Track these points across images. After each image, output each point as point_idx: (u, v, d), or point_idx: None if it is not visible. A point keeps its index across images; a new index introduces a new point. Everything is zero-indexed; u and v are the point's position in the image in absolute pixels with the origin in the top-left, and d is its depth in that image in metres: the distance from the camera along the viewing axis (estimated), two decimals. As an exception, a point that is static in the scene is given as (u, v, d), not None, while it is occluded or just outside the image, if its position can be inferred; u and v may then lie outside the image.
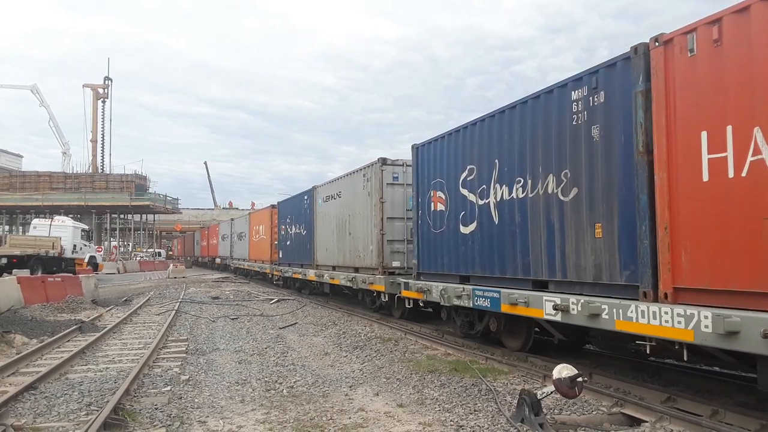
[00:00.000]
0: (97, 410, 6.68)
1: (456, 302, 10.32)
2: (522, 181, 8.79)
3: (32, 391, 7.70)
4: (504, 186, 9.28)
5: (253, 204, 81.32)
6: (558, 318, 7.61)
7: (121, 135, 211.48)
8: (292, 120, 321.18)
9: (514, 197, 9.00)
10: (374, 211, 14.74)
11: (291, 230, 23.89)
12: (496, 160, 9.48)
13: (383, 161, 14.63)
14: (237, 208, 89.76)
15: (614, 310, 6.66)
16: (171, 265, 49.39)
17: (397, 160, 14.80)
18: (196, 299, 21.74)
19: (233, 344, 11.91)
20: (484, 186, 9.87)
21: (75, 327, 13.43)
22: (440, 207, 11.37)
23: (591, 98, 7.39)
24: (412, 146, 12.70)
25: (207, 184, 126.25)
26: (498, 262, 9.48)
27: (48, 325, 13.97)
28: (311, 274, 20.16)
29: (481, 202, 9.96)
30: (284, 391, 8.02)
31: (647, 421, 6.23)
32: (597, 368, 8.62)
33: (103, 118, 75.29)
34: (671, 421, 6.08)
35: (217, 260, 48.25)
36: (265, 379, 8.73)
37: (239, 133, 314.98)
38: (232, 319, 16.11)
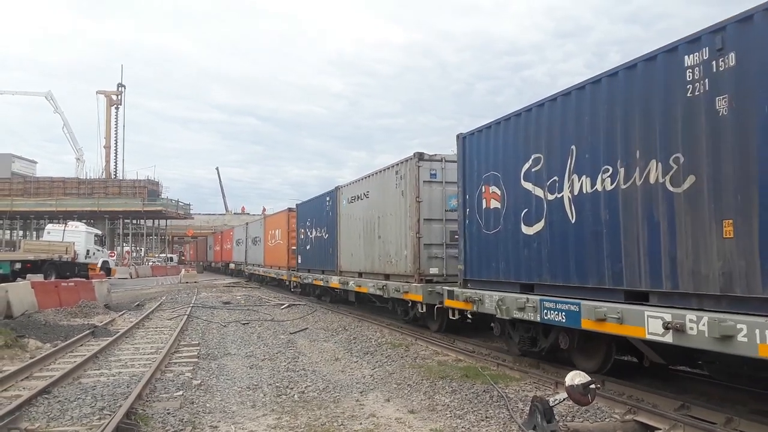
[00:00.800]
0: (110, 414, 6.73)
1: (517, 315, 8.81)
2: (610, 170, 7.25)
3: (46, 395, 7.76)
4: (584, 177, 7.74)
5: (264, 209, 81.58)
6: (668, 339, 6.13)
7: (134, 141, 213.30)
8: (302, 126, 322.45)
9: (599, 190, 7.44)
10: (409, 212, 13.28)
11: (311, 234, 22.24)
12: (573, 147, 7.95)
13: (420, 156, 13.08)
14: (248, 213, 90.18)
15: (756, 330, 5.22)
16: (183, 270, 49.65)
17: (435, 155, 13.25)
18: (207, 304, 21.83)
19: (244, 349, 11.95)
20: (555, 178, 8.33)
21: (88, 331, 13.53)
22: (494, 204, 9.91)
23: (714, 63, 5.95)
24: (458, 136, 11.25)
25: (218, 190, 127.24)
26: (575, 268, 7.94)
27: (61, 330, 14.10)
28: (334, 281, 18.78)
29: (550, 197, 8.42)
30: (295, 396, 8.02)
31: (661, 429, 6.17)
32: (610, 375, 8.55)
33: (116, 125, 76.26)
34: (685, 429, 6.02)
35: (231, 266, 46.83)
36: (276, 384, 8.74)
37: (250, 139, 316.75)
38: (243, 324, 16.16)
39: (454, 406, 7.38)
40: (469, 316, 11.35)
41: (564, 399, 6.05)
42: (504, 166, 9.70)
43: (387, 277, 14.72)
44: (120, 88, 77.08)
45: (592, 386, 5.96)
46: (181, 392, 8.12)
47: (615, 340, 7.83)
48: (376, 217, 15.51)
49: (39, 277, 24.90)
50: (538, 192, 8.78)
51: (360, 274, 16.82)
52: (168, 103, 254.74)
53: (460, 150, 11.23)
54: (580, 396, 5.93)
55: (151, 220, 74.55)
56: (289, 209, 26.96)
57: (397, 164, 14.17)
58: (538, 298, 8.43)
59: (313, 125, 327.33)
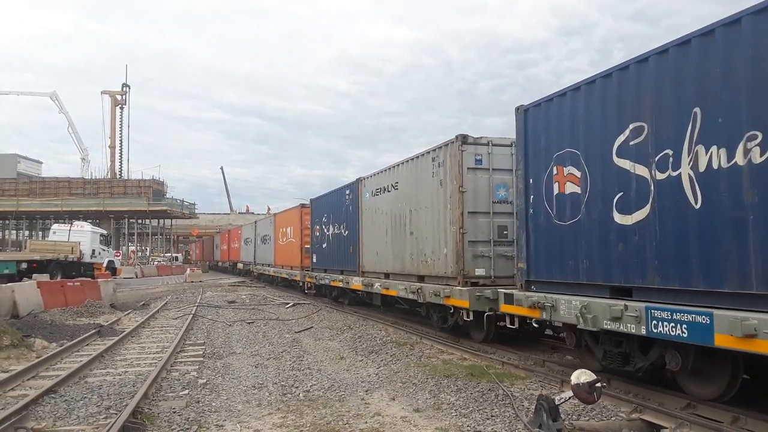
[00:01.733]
0: (116, 413, 6.75)
1: (610, 326, 7.12)
2: (759, 137, 5.59)
3: (52, 395, 7.79)
4: (714, 148, 6.06)
5: (268, 209, 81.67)
6: None
7: (139, 141, 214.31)
8: (307, 125, 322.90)
9: (740, 164, 5.77)
10: (450, 204, 11.58)
11: (328, 231, 20.46)
12: (696, 110, 6.29)
13: (463, 139, 11.33)
14: (253, 213, 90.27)
15: None
16: (188, 269, 49.75)
17: (480, 137, 11.51)
18: (212, 303, 21.87)
19: (250, 348, 11.97)
20: (667, 151, 6.63)
21: (94, 331, 13.57)
22: (571, 188, 8.14)
23: None
24: (518, 109, 9.50)
25: (223, 189, 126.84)
26: (701, 267, 6.24)
27: (67, 329, 14.15)
28: (356, 283, 17.08)
29: (660, 177, 6.71)
30: (300, 395, 8.03)
31: (667, 428, 6.16)
32: (616, 373, 8.52)
33: (121, 125, 76.36)
34: (691, 428, 6.01)
35: (239, 265, 45.09)
36: (282, 383, 8.75)
37: (255, 138, 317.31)
38: (249, 323, 16.18)
39: (459, 404, 7.38)
40: (535, 325, 9.68)
41: (570, 397, 6.04)
42: (586, 140, 7.91)
43: (421, 278, 13.02)
44: (125, 88, 77.21)
45: (598, 385, 5.95)
46: (186, 391, 8.14)
47: (743, 360, 6.38)
48: (407, 210, 13.68)
49: (45, 277, 25.02)
50: (641, 170, 7.02)
51: (387, 275, 15.03)
52: (173, 103, 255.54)
53: (520, 126, 9.39)
54: (585, 394, 5.91)
55: (156, 220, 74.66)
56: (302, 205, 25.25)
57: (435, 149, 12.37)
58: (642, 305, 6.69)
59: (318, 125, 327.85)
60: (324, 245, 21.03)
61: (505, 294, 9.66)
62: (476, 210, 11.39)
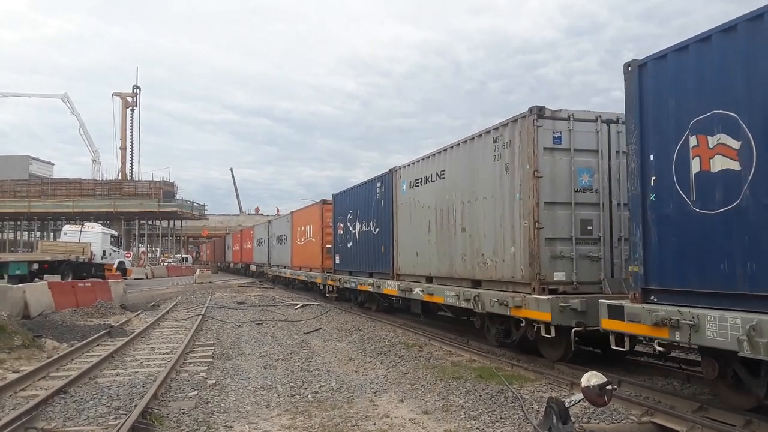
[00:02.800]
0: (126, 414, 6.77)
1: None
2: None
3: (62, 395, 7.83)
4: None
5: (277, 210, 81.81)
6: None
7: (149, 142, 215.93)
8: (316, 126, 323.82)
9: None
10: (520, 193, 9.60)
11: (354, 229, 18.55)
12: None
13: (539, 112, 9.24)
14: (262, 214, 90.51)
15: None
16: (198, 270, 49.94)
17: (559, 110, 9.51)
18: (222, 304, 21.94)
19: (258, 349, 11.98)
20: None
21: (104, 331, 13.64)
22: (722, 164, 6.15)
23: None
24: (627, 66, 7.54)
25: (232, 190, 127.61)
26: None
27: (78, 330, 14.23)
28: (390, 288, 15.10)
29: None
30: (309, 396, 8.03)
31: (678, 431, 6.09)
32: (626, 376, 8.47)
33: (131, 126, 76.69)
34: (703, 431, 5.94)
35: (252, 267, 42.81)
36: (290, 384, 8.76)
37: (264, 140, 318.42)
38: (258, 324, 16.21)
39: (468, 406, 7.34)
40: (659, 349, 7.00)
41: (580, 400, 5.99)
42: (751, 98, 5.88)
43: (476, 283, 11.12)
44: (135, 90, 77.59)
45: (609, 387, 5.90)
46: (196, 392, 8.16)
47: None
48: (458, 203, 11.73)
49: (56, 278, 25.17)
50: None
51: (429, 279, 13.12)
52: (183, 104, 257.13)
53: (632, 88, 7.43)
54: (596, 397, 5.87)
55: (167, 221, 75.07)
56: (324, 201, 23.12)
57: (497, 128, 10.39)
58: None
59: (327, 126, 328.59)
60: (349, 245, 19.09)
61: (609, 306, 7.51)
62: (554, 200, 9.36)
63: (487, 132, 10.80)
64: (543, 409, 6.35)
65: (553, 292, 9.07)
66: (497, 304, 9.96)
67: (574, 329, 8.33)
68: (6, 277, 26.20)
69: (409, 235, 14.31)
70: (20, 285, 17.43)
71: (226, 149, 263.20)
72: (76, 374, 8.90)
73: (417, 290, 13.39)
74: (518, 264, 9.71)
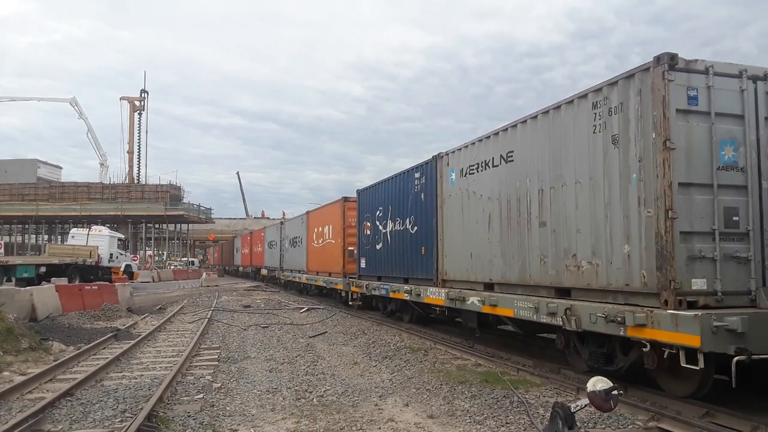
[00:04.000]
0: (132, 417, 6.79)
1: None
2: None
3: (69, 398, 7.87)
4: None
5: (283, 213, 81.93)
6: None
7: (156, 146, 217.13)
8: (322, 130, 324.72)
9: None
10: (641, 173, 7.33)
11: (384, 228, 16.21)
12: None
13: (671, 61, 6.95)
14: (269, 218, 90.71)
15: None
16: (204, 273, 50.03)
17: (695, 60, 7.11)
18: (227, 308, 21.97)
19: (264, 353, 11.99)
20: None
21: (111, 335, 13.69)
22: None
23: None
24: None
25: (239, 194, 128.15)
26: None
27: (84, 333, 14.28)
28: (434, 296, 12.61)
29: None
30: (314, 400, 8.03)
31: (685, 437, 6.06)
32: (632, 381, 8.42)
33: (139, 130, 77.17)
34: (710, 437, 5.91)
35: (263, 271, 40.03)
36: (296, 387, 8.76)
37: (270, 144, 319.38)
38: (263, 327, 16.23)
39: (473, 411, 7.33)
40: None
41: (586, 405, 5.97)
42: None
43: (563, 292, 8.71)
44: (143, 94, 78.09)
45: (615, 392, 5.88)
46: (201, 395, 8.17)
47: None
48: (533, 191, 9.41)
49: (63, 281, 25.27)
50: None
51: (490, 286, 10.75)
52: (190, 108, 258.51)
53: None
54: (602, 402, 5.84)
55: (173, 225, 75.34)
56: (345, 198, 20.94)
57: (601, 88, 8.02)
58: None
59: (333, 130, 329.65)
60: (378, 246, 16.76)
61: None
62: (690, 181, 7.02)
63: (582, 96, 8.32)
64: (549, 414, 6.33)
65: (691, 305, 6.75)
66: (603, 320, 7.53)
67: (735, 359, 6.10)
68: (14, 279, 26.33)
69: (460, 234, 11.85)
70: (27, 288, 17.51)
71: (233, 153, 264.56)
72: (82, 377, 8.93)
73: (473, 300, 10.90)
74: (635, 267, 7.37)
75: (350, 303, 19.58)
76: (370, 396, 8.25)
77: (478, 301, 10.72)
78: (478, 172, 11.31)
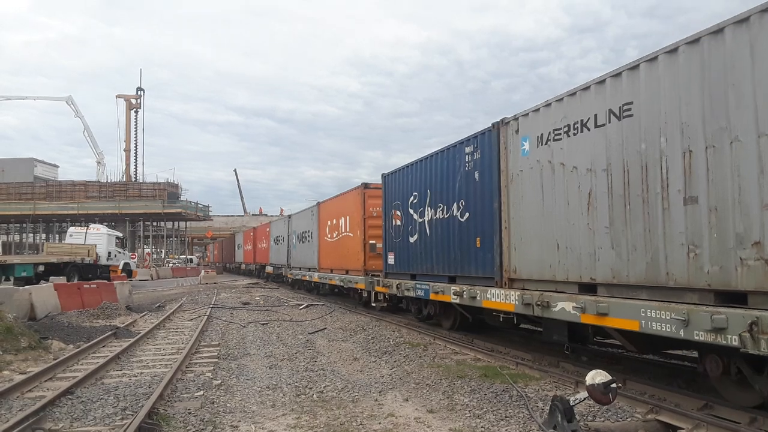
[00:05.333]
0: (132, 415, 6.80)
1: None
2: None
3: (69, 396, 7.88)
4: None
5: (281, 210, 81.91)
6: None
7: (153, 144, 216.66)
8: (319, 126, 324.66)
9: None
10: None
11: (421, 217, 13.50)
12: None
13: None
14: (266, 215, 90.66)
15: None
16: (202, 271, 50.02)
17: None
18: (227, 305, 21.98)
19: (264, 349, 12.01)
20: None
21: (110, 333, 13.70)
22: None
23: None
24: None
25: (236, 191, 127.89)
26: None
27: (84, 331, 14.28)
28: (498, 299, 9.91)
29: None
30: (314, 396, 8.05)
31: (683, 429, 6.10)
32: (631, 374, 8.46)
33: (135, 128, 77.21)
34: (708, 429, 5.95)
35: (268, 269, 37.53)
36: (296, 384, 8.78)
37: (267, 140, 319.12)
38: (263, 324, 16.24)
39: (473, 405, 7.36)
40: None
41: (585, 398, 6.00)
42: None
43: (733, 298, 6.16)
44: (139, 92, 78.05)
45: (614, 385, 5.91)
46: (201, 392, 8.19)
47: None
48: (676, 154, 6.81)
49: (62, 280, 25.25)
50: None
51: (589, 287, 8.16)
52: (187, 105, 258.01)
53: None
54: (601, 395, 5.87)
55: (171, 222, 75.32)
56: (365, 185, 18.49)
57: None
58: None
59: (330, 126, 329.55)
60: (412, 239, 14.09)
61: None
62: None
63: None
64: (548, 408, 6.36)
65: None
66: None
67: None
68: (12, 278, 26.31)
69: (538, 219, 9.14)
70: (26, 287, 17.50)
71: (230, 150, 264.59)
72: (82, 375, 8.94)
73: (564, 306, 8.26)
74: None
75: (373, 304, 17.18)
76: (369, 391, 8.27)
77: (574, 308, 8.00)
78: (568, 136, 8.56)
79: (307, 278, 25.97)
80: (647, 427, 6.30)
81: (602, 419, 6.64)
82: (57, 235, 74.28)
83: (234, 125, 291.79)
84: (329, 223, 22.39)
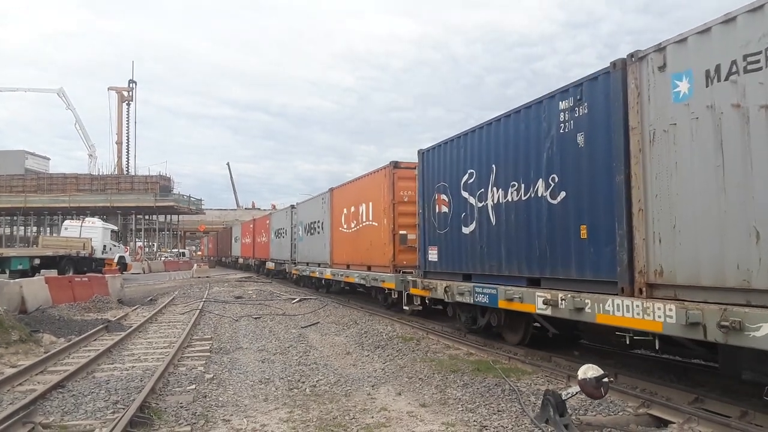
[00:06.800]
0: (124, 408, 6.77)
1: None
2: None
3: (60, 390, 7.84)
4: None
5: (273, 206, 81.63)
6: None
7: (145, 137, 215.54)
8: (313, 120, 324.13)
9: None
10: None
11: (483, 200, 10.62)
12: None
13: None
14: (259, 209, 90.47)
15: None
16: (195, 265, 49.86)
17: None
18: (219, 299, 21.93)
19: (256, 343, 11.99)
20: None
21: (102, 326, 13.63)
22: None
23: None
24: None
25: (229, 185, 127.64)
26: None
27: (75, 325, 14.21)
28: (623, 312, 7.05)
29: None
30: (307, 390, 8.04)
31: (675, 423, 6.13)
32: (623, 368, 8.50)
33: (127, 121, 76.72)
34: (699, 423, 5.98)
35: (269, 264, 34.69)
36: (288, 378, 8.77)
37: (261, 134, 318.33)
38: (255, 318, 16.22)
39: (465, 399, 7.37)
40: None
41: (576, 392, 6.02)
42: None
43: None
44: (131, 85, 77.52)
45: (605, 380, 5.94)
46: (193, 386, 8.16)
47: None
48: None
49: (53, 273, 25.14)
50: None
51: None
52: (179, 99, 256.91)
53: None
54: (592, 389, 5.90)
55: (163, 216, 75.00)
56: (395, 164, 15.90)
57: None
58: None
59: (324, 120, 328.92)
60: (466, 229, 11.20)
61: None
62: None
63: None
64: (540, 402, 6.38)
65: None
66: None
67: None
68: (8, 272, 26.26)
69: (711, 194, 6.20)
70: (17, 280, 17.40)
71: (223, 144, 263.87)
72: (73, 369, 8.89)
73: None
74: None
75: (405, 308, 14.37)
76: (362, 385, 8.27)
77: None
78: None
79: (317, 275, 23.31)
80: (639, 421, 6.33)
81: (594, 413, 6.66)
82: (48, 228, 73.89)
83: (227, 118, 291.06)
84: (345, 211, 19.76)
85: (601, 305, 7.39)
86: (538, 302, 8.66)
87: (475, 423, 6.39)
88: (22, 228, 77.84)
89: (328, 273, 21.50)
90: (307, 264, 25.05)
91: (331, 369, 9.41)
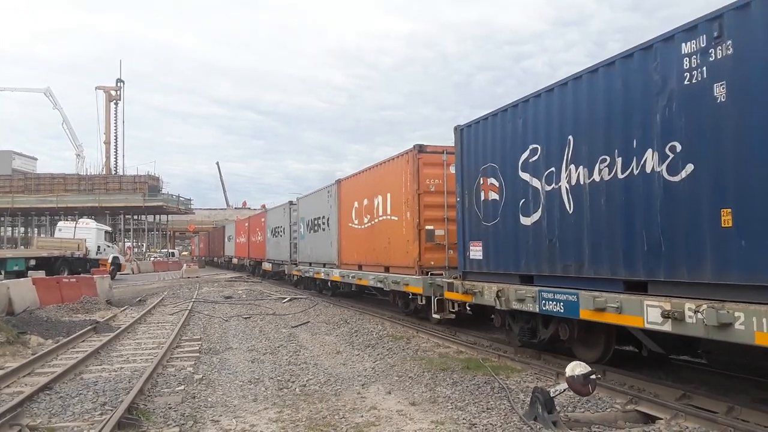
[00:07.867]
0: (112, 410, 6.74)
1: None
2: None
3: (47, 392, 7.78)
4: None
5: (263, 205, 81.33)
6: None
7: (134, 136, 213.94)
8: (303, 119, 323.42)
9: None
10: None
11: (552, 182, 8.45)
12: None
13: None
14: (249, 208, 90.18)
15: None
16: (185, 265, 49.63)
17: None
18: (209, 299, 21.86)
19: (246, 343, 11.96)
20: None
21: (90, 327, 13.54)
22: None
23: None
24: None
25: (219, 185, 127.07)
26: None
27: (63, 326, 14.10)
28: None
29: None
30: (297, 389, 8.03)
31: (662, 419, 6.18)
32: (610, 365, 8.55)
33: (115, 120, 76.21)
34: (686, 418, 6.03)
35: (266, 265, 32.05)
36: (278, 378, 8.75)
37: (251, 133, 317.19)
38: (245, 318, 16.17)
39: (455, 397, 7.39)
40: None
41: (565, 390, 6.06)
42: None
43: None
44: (119, 84, 76.98)
45: (593, 377, 5.98)
46: (182, 387, 8.13)
47: None
48: None
49: (40, 274, 25.00)
50: None
51: None
52: (168, 97, 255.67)
53: None
54: (580, 386, 5.94)
55: (152, 216, 74.59)
56: (419, 147, 13.49)
57: None
58: None
59: (314, 119, 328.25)
60: (527, 219, 9.10)
61: None
62: None
63: None
64: (529, 399, 6.41)
65: None
66: None
67: None
68: (3, 273, 26.11)
69: None
70: (4, 281, 17.27)
71: (213, 143, 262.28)
72: (61, 370, 8.83)
73: None
74: None
75: (435, 316, 12.23)
76: (352, 384, 8.27)
77: None
78: None
79: (322, 276, 20.84)
80: (626, 417, 6.37)
81: (582, 410, 6.70)
82: (36, 229, 73.27)
83: (217, 117, 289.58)
84: (356, 205, 17.49)
85: (764, 320, 5.27)
86: (648, 314, 6.52)
87: (465, 421, 6.41)
88: (10, 229, 77.13)
89: (336, 274, 19.10)
90: (310, 264, 22.67)
91: (321, 368, 9.41)
